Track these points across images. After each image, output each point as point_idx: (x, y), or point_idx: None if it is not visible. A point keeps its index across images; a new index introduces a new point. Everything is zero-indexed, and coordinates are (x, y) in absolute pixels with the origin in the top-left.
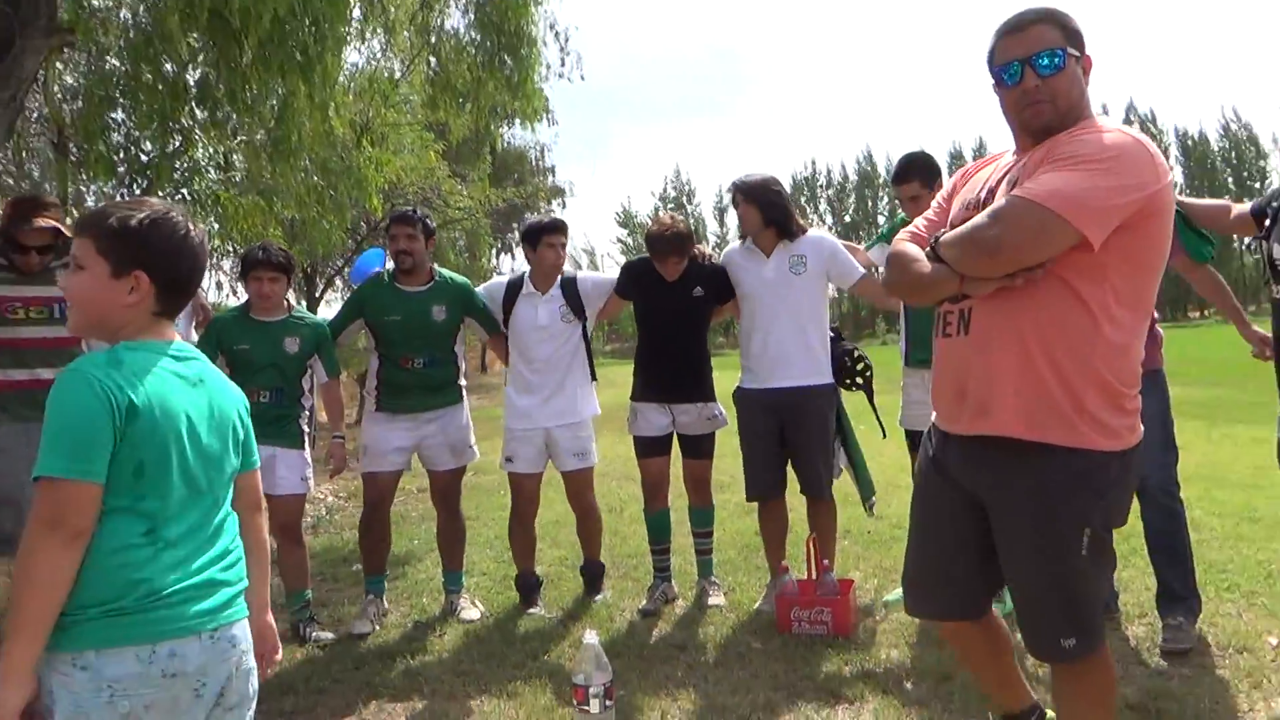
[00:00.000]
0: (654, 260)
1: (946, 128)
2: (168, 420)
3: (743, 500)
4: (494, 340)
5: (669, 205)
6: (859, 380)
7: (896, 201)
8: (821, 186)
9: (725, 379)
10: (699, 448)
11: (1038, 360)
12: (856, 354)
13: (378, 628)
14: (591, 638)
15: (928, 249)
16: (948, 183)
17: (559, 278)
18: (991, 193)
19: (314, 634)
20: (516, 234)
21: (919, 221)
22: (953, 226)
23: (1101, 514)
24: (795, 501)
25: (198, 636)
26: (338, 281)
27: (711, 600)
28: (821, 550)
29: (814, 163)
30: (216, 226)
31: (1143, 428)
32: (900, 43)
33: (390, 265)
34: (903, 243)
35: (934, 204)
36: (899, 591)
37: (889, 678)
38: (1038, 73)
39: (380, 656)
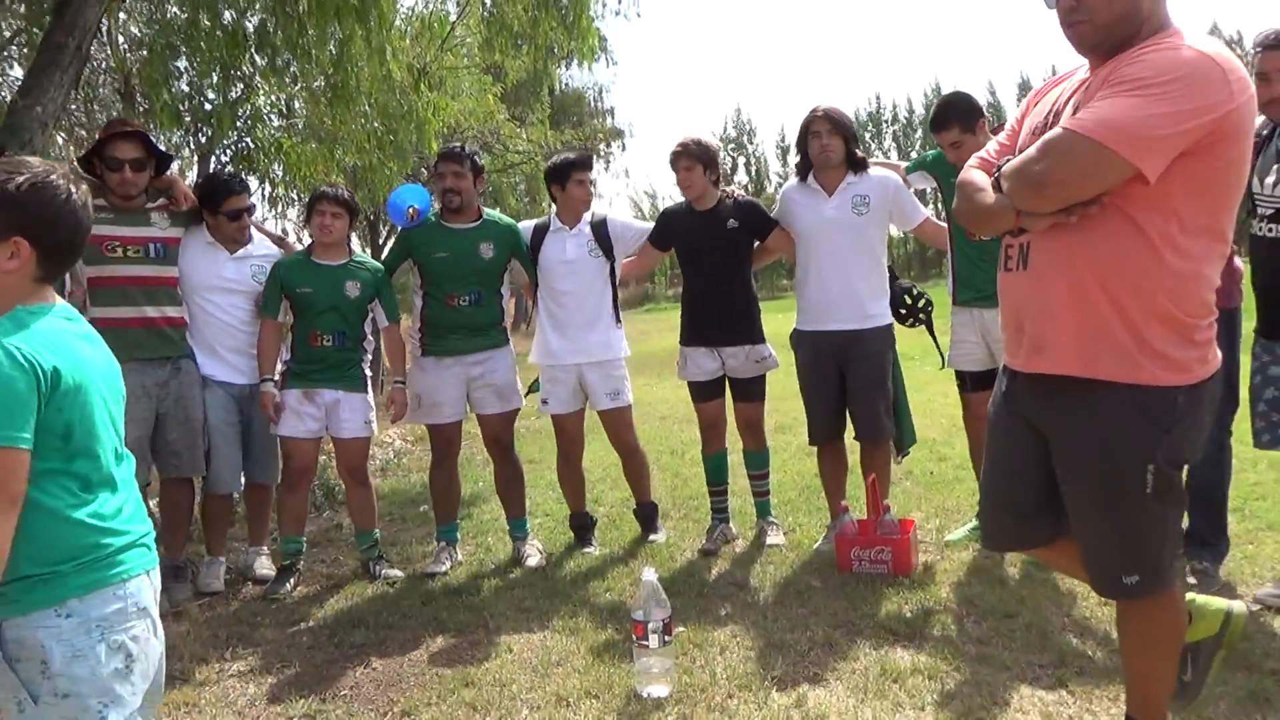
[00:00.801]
0: (674, 171)
1: (1016, 57)
2: (87, 382)
3: (803, 442)
4: (529, 286)
5: (729, 145)
6: (920, 317)
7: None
8: (887, 122)
9: (782, 321)
10: (749, 390)
11: (1094, 294)
12: (916, 291)
13: (449, 570)
14: (650, 574)
15: (993, 177)
16: (1022, 102)
17: (589, 216)
18: (1057, 116)
19: (383, 571)
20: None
21: (990, 145)
22: (1019, 152)
23: (1166, 450)
24: (854, 443)
25: (146, 575)
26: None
27: (770, 540)
28: (880, 491)
29: (878, 98)
30: (281, 174)
31: (1219, 356)
32: None
33: (435, 204)
34: (971, 169)
35: (1008, 125)
36: (961, 530)
37: (950, 616)
38: None
39: (446, 594)
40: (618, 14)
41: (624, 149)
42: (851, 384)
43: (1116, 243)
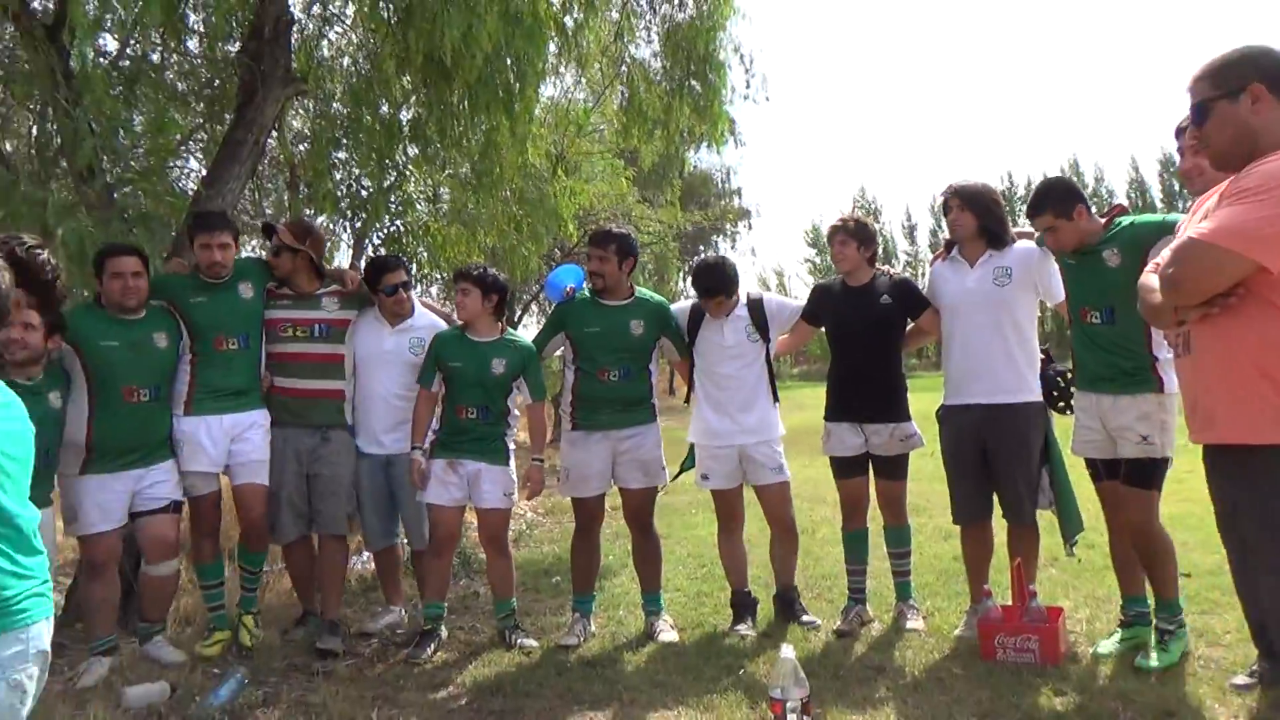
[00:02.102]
0: (830, 245)
1: (1161, 133)
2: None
3: (940, 524)
4: (681, 363)
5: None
6: (1072, 404)
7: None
8: (1020, 200)
9: (924, 400)
10: (892, 469)
11: (1248, 370)
12: (1070, 375)
13: (582, 641)
14: (788, 652)
15: None
16: (1188, 215)
17: (744, 297)
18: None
19: (519, 640)
20: (705, 257)
21: (1166, 253)
22: None
23: None
24: (997, 526)
25: (45, 621)
26: (534, 307)
27: (910, 624)
28: (1026, 576)
29: (1010, 175)
30: (426, 255)
31: None
32: (1102, 48)
33: (586, 284)
34: (1147, 273)
35: (1176, 232)
36: (1110, 642)
37: (1104, 711)
38: (1196, 124)
39: (581, 665)
40: (746, 98)
41: (750, 228)
42: (994, 462)
43: (1261, 324)
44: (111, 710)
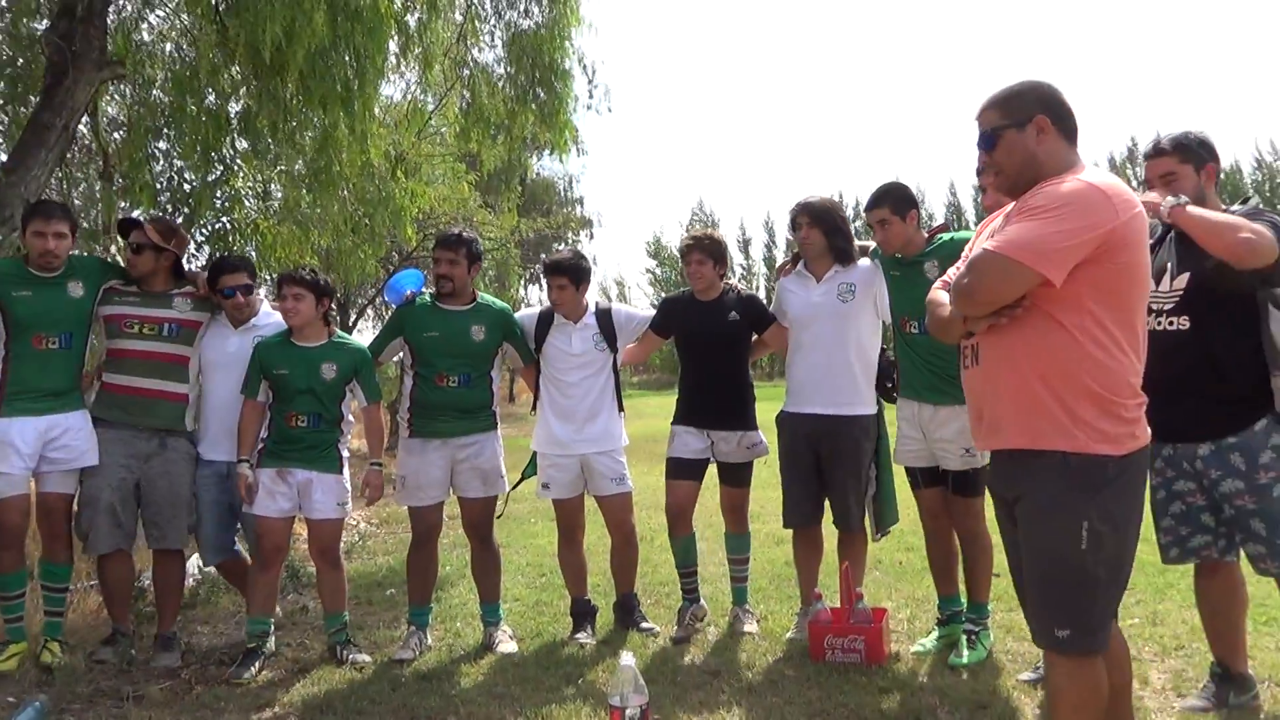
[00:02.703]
0: (684, 263)
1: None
2: None
3: (773, 530)
4: (527, 370)
5: None
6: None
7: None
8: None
9: (765, 409)
10: (737, 476)
11: (1032, 381)
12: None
13: (418, 655)
14: (628, 659)
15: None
16: (975, 233)
17: (593, 307)
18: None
19: (351, 656)
20: (543, 264)
21: (951, 270)
22: None
23: (1099, 510)
24: (827, 531)
25: None
26: (369, 311)
27: (745, 628)
28: (854, 579)
29: (841, 194)
30: (254, 255)
31: (1149, 433)
32: (928, 72)
33: (426, 289)
34: (935, 290)
35: (964, 252)
36: (929, 640)
37: (923, 707)
38: (984, 150)
39: (416, 680)
40: (590, 108)
41: (592, 237)
42: (826, 471)
43: (1044, 337)
44: None
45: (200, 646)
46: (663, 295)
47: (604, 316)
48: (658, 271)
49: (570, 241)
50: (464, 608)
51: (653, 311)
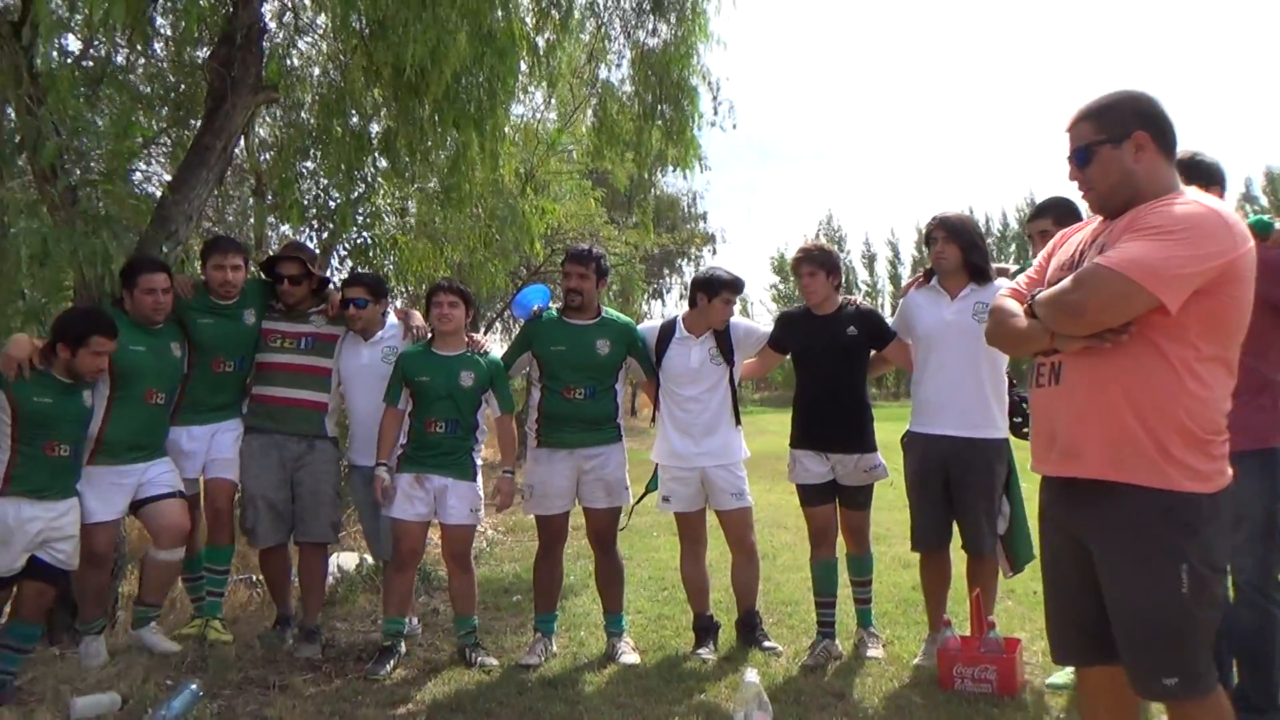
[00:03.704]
0: (796, 276)
1: None
2: None
3: (899, 552)
4: (648, 383)
5: None
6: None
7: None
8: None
9: (888, 428)
10: (856, 498)
11: (1123, 409)
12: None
13: (543, 661)
14: (752, 676)
15: (1026, 305)
16: (1049, 244)
17: None
18: (1083, 255)
19: (480, 659)
20: (669, 280)
21: (1020, 278)
22: (1048, 285)
23: (1198, 550)
24: (956, 556)
25: None
26: (498, 325)
27: (870, 651)
28: (985, 607)
29: (971, 210)
30: (393, 268)
31: (1230, 472)
32: (1066, 84)
33: (552, 303)
34: (1004, 298)
35: (1035, 262)
36: (1065, 673)
37: None
38: (1077, 166)
39: (541, 685)
40: (713, 124)
41: (714, 253)
42: (957, 494)
43: (1142, 365)
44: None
45: (339, 642)
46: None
47: (723, 332)
48: (781, 287)
49: (694, 257)
50: (587, 617)
51: (767, 328)
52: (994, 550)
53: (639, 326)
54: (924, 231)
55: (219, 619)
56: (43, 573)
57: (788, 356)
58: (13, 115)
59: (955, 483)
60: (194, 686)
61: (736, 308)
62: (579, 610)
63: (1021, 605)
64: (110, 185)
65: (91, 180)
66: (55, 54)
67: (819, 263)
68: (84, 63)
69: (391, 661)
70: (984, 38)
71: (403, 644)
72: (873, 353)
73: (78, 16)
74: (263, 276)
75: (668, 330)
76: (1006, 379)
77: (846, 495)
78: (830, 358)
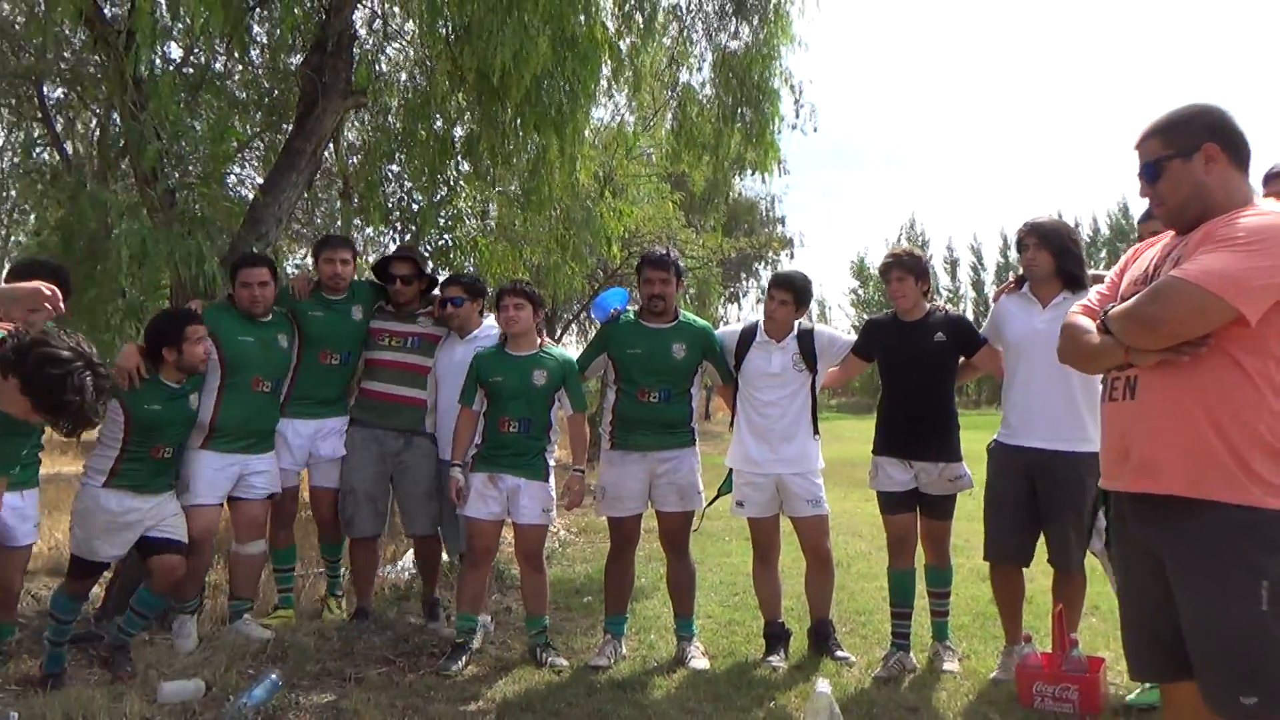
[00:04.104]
0: (885, 281)
1: None
2: None
3: (977, 564)
4: (724, 388)
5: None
6: None
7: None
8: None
9: (972, 437)
10: (939, 508)
11: (1202, 424)
12: None
13: (613, 664)
14: (824, 686)
15: (1098, 321)
16: (1122, 259)
17: (797, 327)
18: (1157, 269)
19: (550, 659)
20: (746, 284)
21: (1092, 294)
22: (1122, 300)
23: (1279, 567)
24: (1036, 571)
25: None
26: (574, 326)
27: (946, 665)
28: (1068, 624)
29: (1060, 215)
30: (474, 270)
31: None
32: (1158, 86)
33: (630, 305)
34: (1075, 315)
35: (1108, 278)
36: (1149, 691)
37: None
38: (1147, 182)
39: (611, 687)
40: (794, 128)
41: (792, 257)
42: (1045, 508)
43: (1221, 379)
44: (148, 704)
45: (413, 637)
46: (865, 316)
47: (806, 337)
48: (860, 292)
49: (771, 261)
50: (657, 620)
51: (854, 336)
52: (1081, 566)
53: (718, 331)
54: (1016, 238)
55: (338, 596)
56: (161, 548)
57: (870, 364)
58: (118, 120)
59: (1042, 496)
60: (274, 676)
61: (814, 312)
62: (649, 613)
63: (1105, 623)
64: (206, 188)
65: (189, 183)
66: (158, 61)
67: (908, 268)
68: (184, 69)
69: (464, 658)
70: (1072, 39)
71: (475, 641)
72: (961, 359)
73: (179, 25)
74: (374, 279)
75: (749, 334)
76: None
77: (928, 504)
78: (917, 365)
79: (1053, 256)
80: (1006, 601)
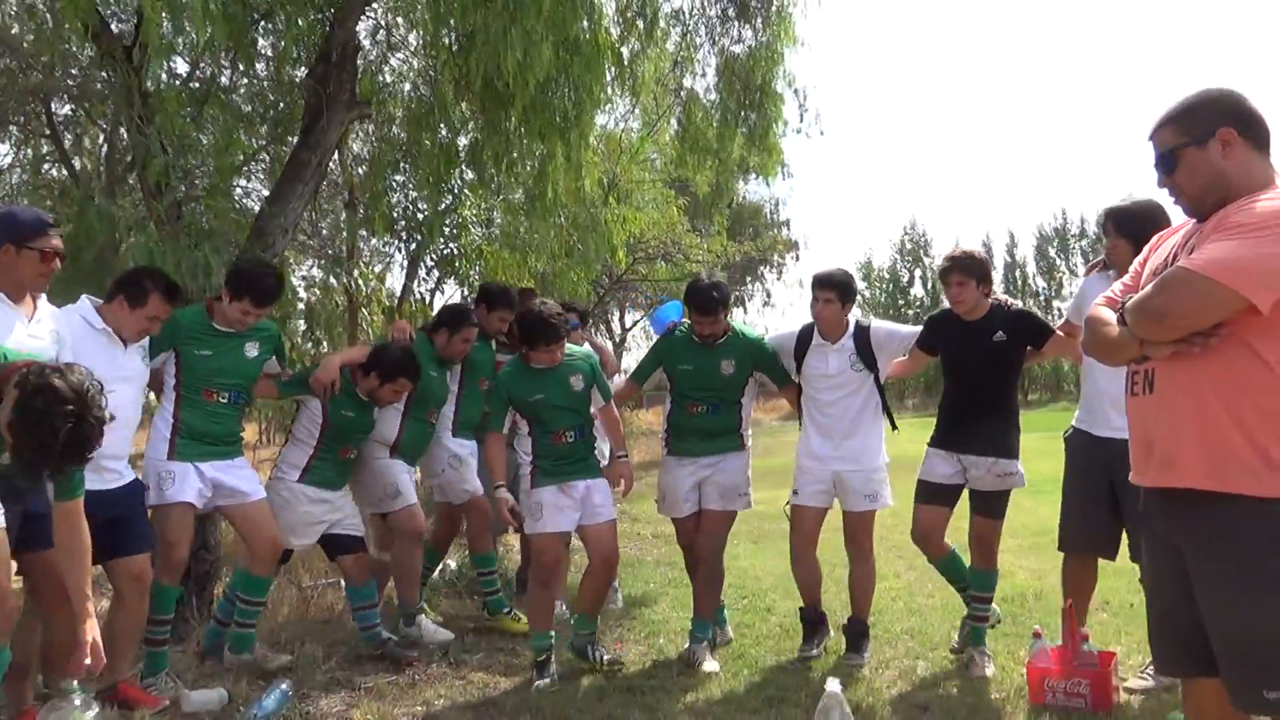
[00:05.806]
0: (944, 285)
1: None
2: None
3: (1004, 564)
4: (786, 391)
5: (906, 259)
6: None
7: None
8: (1074, 237)
9: (1030, 438)
10: (988, 505)
11: (1220, 415)
12: None
13: (718, 666)
14: (835, 686)
15: (1119, 312)
16: (1144, 249)
17: (851, 326)
18: (1175, 259)
19: (601, 656)
20: (751, 287)
21: (1116, 286)
22: (1141, 290)
23: None
24: (1045, 567)
25: None
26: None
27: (983, 671)
28: (1077, 618)
29: (1064, 212)
30: (478, 278)
31: None
32: (1159, 78)
33: (684, 319)
34: (1098, 307)
35: (1131, 269)
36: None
37: None
38: (1163, 173)
39: (620, 692)
40: (799, 131)
41: (798, 259)
42: (1124, 500)
43: (1239, 368)
44: (172, 711)
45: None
46: (870, 317)
47: (862, 335)
48: (866, 293)
49: (777, 264)
50: (666, 625)
51: (912, 328)
52: None
53: (772, 336)
54: (1098, 223)
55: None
56: (345, 546)
57: (935, 358)
58: (125, 135)
59: (1120, 487)
60: (285, 686)
61: (856, 311)
62: (658, 618)
63: (1116, 618)
64: (213, 200)
65: (196, 196)
66: (164, 75)
67: (969, 271)
68: (190, 83)
69: (550, 672)
70: (1073, 38)
71: (553, 658)
72: (1028, 350)
73: (183, 39)
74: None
75: (806, 336)
76: None
77: (977, 500)
78: (975, 364)
79: (1131, 244)
80: (1078, 595)
